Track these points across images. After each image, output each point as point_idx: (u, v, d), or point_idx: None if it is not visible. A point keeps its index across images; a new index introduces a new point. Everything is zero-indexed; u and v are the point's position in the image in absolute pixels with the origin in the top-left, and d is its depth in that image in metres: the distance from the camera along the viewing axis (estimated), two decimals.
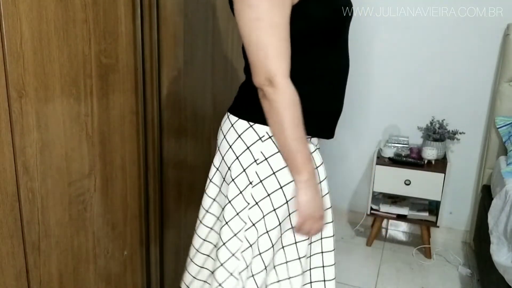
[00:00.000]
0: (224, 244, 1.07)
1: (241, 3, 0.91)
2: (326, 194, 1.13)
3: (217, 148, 1.13)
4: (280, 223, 1.05)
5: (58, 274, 1.08)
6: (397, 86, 2.61)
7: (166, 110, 1.42)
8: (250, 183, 1.04)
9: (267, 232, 1.05)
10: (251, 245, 1.06)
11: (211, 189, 1.16)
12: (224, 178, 1.10)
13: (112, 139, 1.20)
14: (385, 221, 2.79)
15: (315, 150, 1.09)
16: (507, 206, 1.75)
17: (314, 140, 1.10)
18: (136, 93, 1.26)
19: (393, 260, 2.42)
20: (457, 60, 2.47)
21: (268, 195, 1.04)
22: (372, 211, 2.50)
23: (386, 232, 2.78)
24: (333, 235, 1.16)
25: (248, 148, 1.04)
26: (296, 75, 0.98)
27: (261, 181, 1.03)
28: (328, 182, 1.14)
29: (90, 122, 1.11)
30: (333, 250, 1.17)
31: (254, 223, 1.05)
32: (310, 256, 1.16)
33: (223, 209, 1.11)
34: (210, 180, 1.16)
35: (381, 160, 2.45)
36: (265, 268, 1.07)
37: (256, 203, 1.04)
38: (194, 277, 1.23)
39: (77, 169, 1.09)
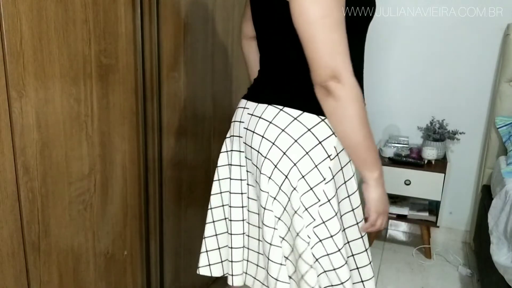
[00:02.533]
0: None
1: (304, 1, 0.90)
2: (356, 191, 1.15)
3: (271, 143, 1.05)
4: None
5: (58, 274, 1.08)
6: (397, 86, 2.61)
7: (166, 110, 1.42)
8: (324, 179, 1.03)
9: (342, 230, 1.08)
10: (320, 241, 1.05)
11: (270, 186, 1.08)
12: (286, 175, 1.04)
13: (112, 139, 1.20)
14: None
15: None
16: (507, 206, 1.75)
17: None
18: (136, 93, 1.26)
19: (393, 260, 2.42)
20: (457, 60, 2.47)
21: (336, 191, 1.04)
22: None
23: (386, 232, 2.78)
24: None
25: (320, 142, 1.02)
26: None
27: (333, 177, 1.03)
28: None
29: (90, 122, 1.11)
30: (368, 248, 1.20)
31: (324, 221, 1.04)
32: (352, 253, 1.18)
33: (285, 209, 1.08)
34: (269, 178, 1.07)
35: (381, 160, 2.44)
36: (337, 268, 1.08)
37: (328, 201, 1.03)
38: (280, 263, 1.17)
39: (77, 169, 1.09)
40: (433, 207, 2.54)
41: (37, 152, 0.97)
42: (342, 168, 1.06)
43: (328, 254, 1.06)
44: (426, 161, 2.41)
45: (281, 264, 1.09)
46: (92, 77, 1.09)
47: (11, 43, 0.87)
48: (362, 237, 1.13)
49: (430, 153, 2.37)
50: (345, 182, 1.08)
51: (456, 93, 2.51)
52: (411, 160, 2.38)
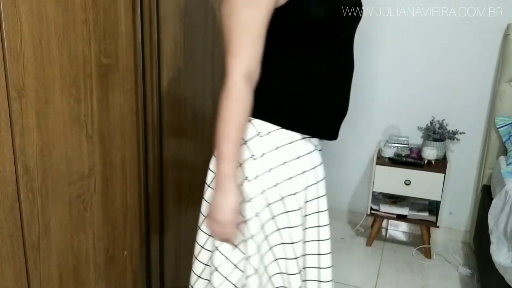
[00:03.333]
0: (217, 248, 1.07)
1: None
2: (323, 196, 1.12)
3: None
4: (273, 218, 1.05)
5: (58, 274, 1.08)
6: (397, 86, 2.61)
7: (166, 110, 1.42)
8: (246, 178, 1.02)
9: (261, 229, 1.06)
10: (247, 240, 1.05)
11: (208, 194, 1.11)
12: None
13: (112, 139, 1.20)
14: (385, 221, 2.79)
15: (314, 150, 1.08)
16: (507, 206, 1.75)
17: (314, 140, 1.09)
18: (136, 93, 1.26)
19: (393, 260, 2.42)
20: (457, 60, 2.47)
21: (263, 192, 1.02)
22: (372, 211, 2.50)
23: (386, 232, 2.78)
24: (329, 238, 1.15)
25: (245, 142, 1.02)
26: (293, 74, 1.00)
27: (257, 177, 1.02)
28: (328, 182, 1.14)
29: (90, 122, 1.11)
30: (329, 252, 1.16)
31: (246, 220, 1.03)
32: (305, 255, 1.15)
33: None
34: (208, 185, 1.10)
35: (381, 160, 2.45)
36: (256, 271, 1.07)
37: (250, 200, 1.02)
38: (198, 276, 1.19)
39: (77, 169, 1.09)
40: (433, 207, 2.54)
41: (37, 152, 0.97)
42: (270, 170, 1.02)
43: (247, 257, 1.06)
44: (426, 161, 2.41)
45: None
46: (92, 77, 1.09)
47: (11, 43, 0.87)
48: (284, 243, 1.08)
49: (430, 153, 2.37)
50: (277, 185, 1.03)
51: (456, 93, 2.51)
52: (411, 160, 2.38)
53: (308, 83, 1.03)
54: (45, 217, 1.02)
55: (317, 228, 1.13)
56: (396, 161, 2.41)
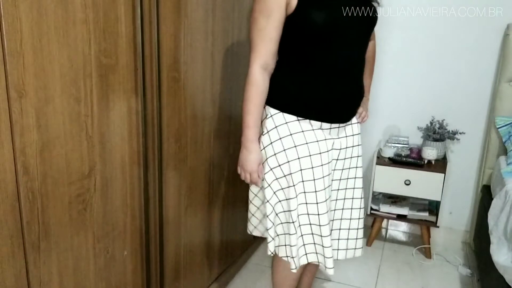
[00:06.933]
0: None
1: (252, 9, 1.32)
2: (318, 166, 1.39)
3: None
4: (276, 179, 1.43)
5: (58, 274, 1.08)
6: (397, 86, 2.61)
7: (166, 110, 1.42)
8: (262, 147, 1.43)
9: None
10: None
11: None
12: None
13: (112, 139, 1.20)
14: (385, 221, 2.79)
15: (310, 130, 1.39)
16: (507, 206, 1.75)
17: (314, 123, 1.39)
18: (136, 93, 1.26)
19: (393, 260, 2.42)
20: (457, 60, 2.47)
21: (266, 159, 1.42)
22: (372, 211, 2.50)
23: (386, 232, 2.78)
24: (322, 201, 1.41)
25: (262, 121, 1.43)
26: (296, 68, 1.35)
27: (265, 147, 1.42)
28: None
29: (90, 122, 1.11)
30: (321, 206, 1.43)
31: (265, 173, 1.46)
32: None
33: None
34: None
35: (381, 160, 2.45)
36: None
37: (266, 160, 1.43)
38: (253, 214, 1.62)
39: (77, 169, 1.09)
40: (433, 207, 2.54)
41: (37, 152, 0.97)
42: (271, 143, 1.41)
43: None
44: (426, 161, 2.41)
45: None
46: (92, 77, 1.09)
47: (11, 43, 0.87)
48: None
49: (430, 153, 2.37)
50: (275, 154, 1.41)
51: (456, 93, 2.51)
52: (411, 160, 2.38)
53: (307, 75, 1.35)
54: (45, 217, 1.02)
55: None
56: (396, 161, 2.41)
